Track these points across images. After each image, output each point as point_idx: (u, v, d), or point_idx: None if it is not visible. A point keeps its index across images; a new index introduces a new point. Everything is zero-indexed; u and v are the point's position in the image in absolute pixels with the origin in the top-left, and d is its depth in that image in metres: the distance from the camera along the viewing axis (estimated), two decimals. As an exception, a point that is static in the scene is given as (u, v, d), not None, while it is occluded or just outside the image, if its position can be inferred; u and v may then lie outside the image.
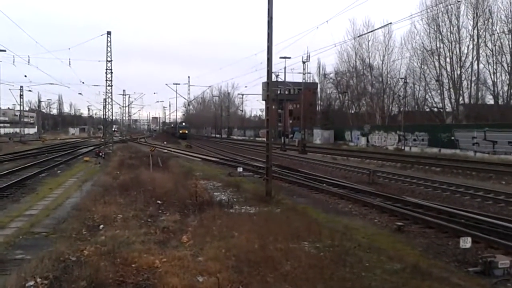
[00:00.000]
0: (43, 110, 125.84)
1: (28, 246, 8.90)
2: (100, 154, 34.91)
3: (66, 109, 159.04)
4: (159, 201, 13.17)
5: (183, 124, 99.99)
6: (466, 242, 8.47)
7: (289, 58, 53.76)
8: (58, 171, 24.58)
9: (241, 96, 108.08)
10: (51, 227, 10.59)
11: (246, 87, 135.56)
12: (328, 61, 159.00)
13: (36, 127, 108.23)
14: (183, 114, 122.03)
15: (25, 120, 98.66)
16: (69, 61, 43.99)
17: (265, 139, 17.93)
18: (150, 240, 8.93)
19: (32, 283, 6.32)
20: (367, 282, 6.86)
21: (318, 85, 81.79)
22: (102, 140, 52.59)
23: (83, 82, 61.66)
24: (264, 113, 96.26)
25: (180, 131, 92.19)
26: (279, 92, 66.33)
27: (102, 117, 64.27)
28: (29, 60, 43.26)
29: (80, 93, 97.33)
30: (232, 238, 8.85)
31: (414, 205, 14.01)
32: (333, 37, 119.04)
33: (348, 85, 70.12)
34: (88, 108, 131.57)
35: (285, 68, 62.56)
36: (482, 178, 22.38)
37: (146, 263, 7.34)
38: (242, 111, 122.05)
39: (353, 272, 7.22)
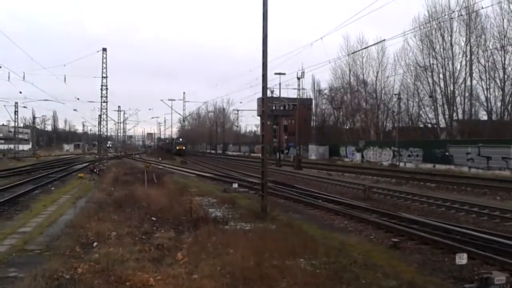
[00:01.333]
0: (38, 127, 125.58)
1: (21, 264, 8.78)
2: (95, 170, 34.74)
3: (60, 125, 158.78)
4: (153, 218, 13.08)
5: (180, 140, 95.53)
6: (462, 259, 8.46)
7: (284, 74, 53.92)
8: (52, 188, 24.40)
9: (236, 112, 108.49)
10: (44, 245, 10.49)
11: (241, 102, 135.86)
12: (323, 77, 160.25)
13: (31, 143, 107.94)
14: (178, 130, 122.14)
15: (20, 136, 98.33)
16: (65, 77, 43.82)
17: (260, 154, 17.94)
18: (144, 257, 8.85)
19: (25, 301, 6.24)
20: (363, 299, 6.81)
21: (313, 101, 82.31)
22: (97, 156, 52.36)
23: (78, 99, 61.30)
24: (259, 128, 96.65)
25: (177, 147, 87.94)
26: (274, 108, 66.55)
27: (96, 133, 64.21)
28: (24, 76, 43.06)
29: (75, 109, 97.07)
30: (227, 255, 8.79)
31: (409, 221, 13.99)
32: (327, 53, 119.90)
33: (342, 101, 70.56)
34: (83, 124, 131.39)
35: (280, 84, 62.58)
36: (477, 194, 22.42)
37: (140, 281, 7.27)
38: (237, 126, 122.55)
39: (349, 289, 7.18)
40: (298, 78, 50.72)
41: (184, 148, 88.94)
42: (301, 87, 53.02)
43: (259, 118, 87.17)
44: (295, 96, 56.33)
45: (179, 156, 70.89)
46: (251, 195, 21.32)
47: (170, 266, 8.27)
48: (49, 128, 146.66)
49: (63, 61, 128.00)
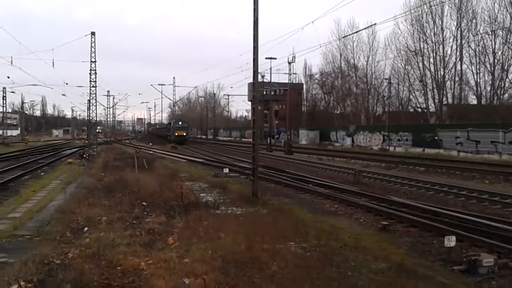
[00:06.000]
0: (26, 112, 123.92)
1: (12, 249, 8.75)
2: (84, 155, 34.53)
3: (49, 110, 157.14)
4: (144, 203, 13.05)
5: (180, 123, 74.43)
6: (450, 241, 8.55)
7: (275, 58, 53.55)
8: (42, 173, 24.24)
9: (226, 97, 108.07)
10: (34, 230, 10.44)
11: (231, 87, 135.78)
12: (314, 62, 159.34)
13: (19, 128, 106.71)
14: (168, 115, 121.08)
15: (8, 121, 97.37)
16: (53, 62, 43.32)
17: (251, 140, 17.92)
18: (135, 242, 8.84)
19: (15, 286, 6.21)
20: (353, 281, 6.89)
21: (304, 86, 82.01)
22: (86, 141, 52.05)
23: (66, 83, 60.04)
24: (250, 113, 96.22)
25: (176, 134, 69.88)
26: (265, 92, 66.25)
27: (86, 118, 63.63)
28: (12, 61, 42.57)
29: (63, 94, 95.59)
30: (219, 239, 8.82)
31: (398, 204, 14.10)
32: (318, 38, 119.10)
33: (333, 86, 70.47)
34: (72, 109, 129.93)
35: (270, 68, 62.20)
36: (466, 178, 22.65)
37: (132, 266, 7.27)
38: (228, 111, 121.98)
39: (339, 272, 7.25)
40: (289, 63, 50.68)
41: (185, 134, 71.77)
42: (292, 71, 53.02)
43: (250, 103, 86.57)
44: (286, 81, 56.23)
45: (180, 145, 58.96)
46: (242, 180, 21.34)
47: (161, 251, 8.28)
48: (38, 113, 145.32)
49: (51, 45, 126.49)
